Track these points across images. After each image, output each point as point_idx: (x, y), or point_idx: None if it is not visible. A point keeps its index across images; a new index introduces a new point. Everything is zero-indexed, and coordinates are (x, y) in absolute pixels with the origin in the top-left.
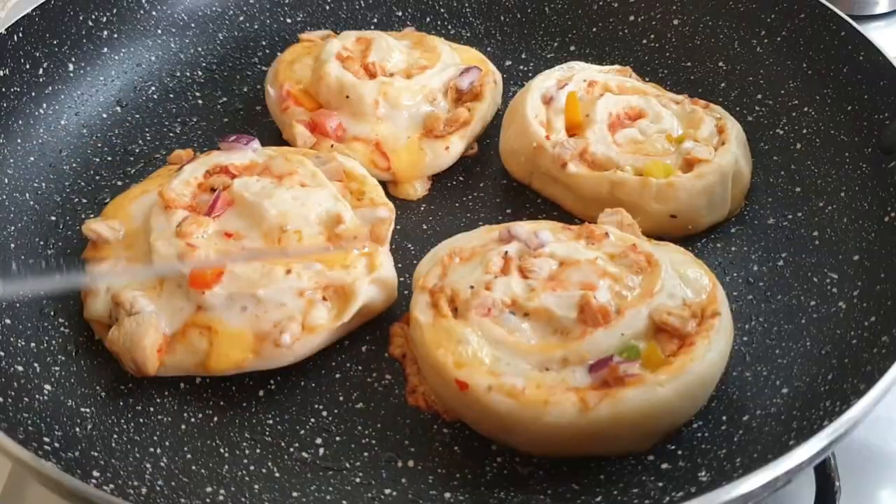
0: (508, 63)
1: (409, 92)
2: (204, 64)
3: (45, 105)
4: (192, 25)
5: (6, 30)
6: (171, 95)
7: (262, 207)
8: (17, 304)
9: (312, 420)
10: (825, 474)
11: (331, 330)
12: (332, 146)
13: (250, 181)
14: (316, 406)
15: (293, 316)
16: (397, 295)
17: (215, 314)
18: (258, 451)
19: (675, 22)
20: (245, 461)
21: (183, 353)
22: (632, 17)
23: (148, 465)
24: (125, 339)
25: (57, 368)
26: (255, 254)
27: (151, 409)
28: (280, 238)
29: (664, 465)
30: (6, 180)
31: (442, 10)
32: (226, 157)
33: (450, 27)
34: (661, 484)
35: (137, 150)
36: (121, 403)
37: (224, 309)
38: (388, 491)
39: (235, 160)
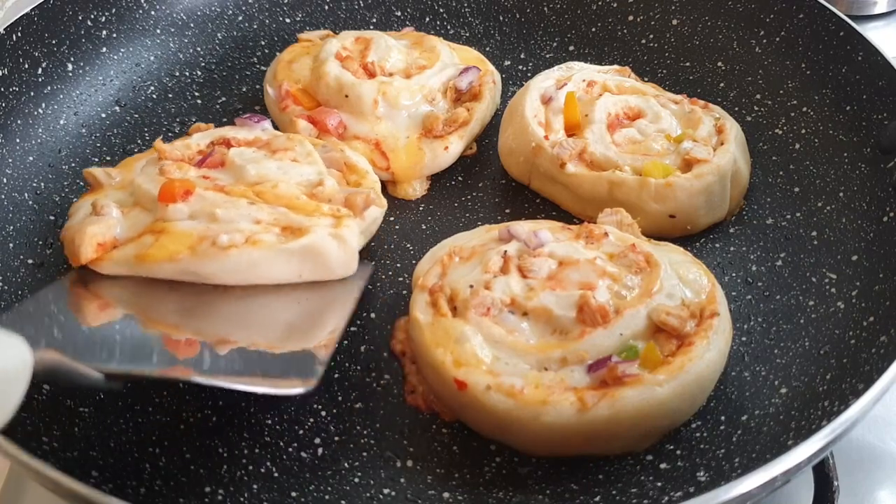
0: (507, 63)
1: (408, 92)
2: (203, 64)
3: (43, 105)
4: (191, 25)
5: (5, 29)
6: (170, 95)
7: (245, 169)
8: (16, 304)
9: (311, 420)
10: (824, 474)
11: (274, 250)
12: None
13: (246, 150)
14: (314, 406)
15: (241, 230)
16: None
17: (171, 224)
18: (257, 451)
19: (674, 22)
20: (244, 461)
21: (129, 248)
22: (631, 17)
23: (147, 465)
24: (76, 227)
25: None
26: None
27: (150, 409)
28: (256, 188)
29: (663, 465)
30: (5, 180)
31: (441, 10)
32: (234, 132)
33: (449, 27)
34: (659, 484)
35: (136, 150)
36: (119, 403)
37: (181, 221)
38: (386, 491)
39: (241, 135)
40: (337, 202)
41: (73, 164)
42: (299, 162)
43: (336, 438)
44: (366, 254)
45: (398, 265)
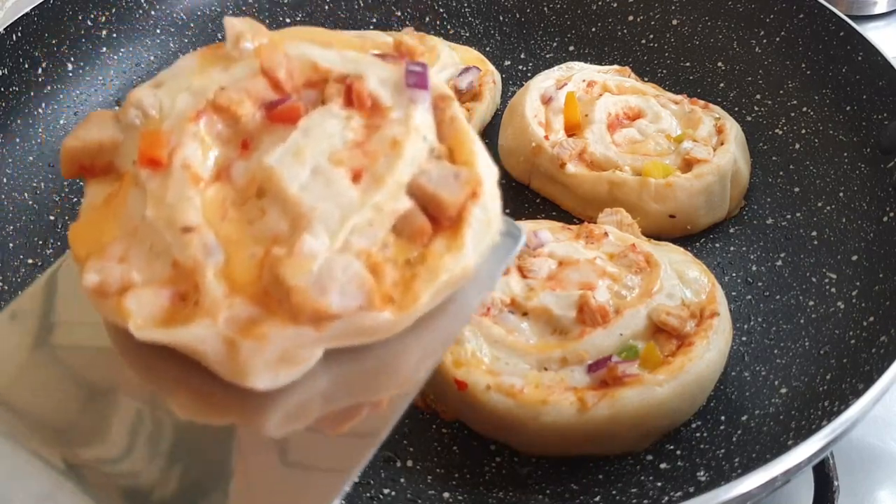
0: (507, 63)
1: None
2: None
3: (43, 104)
4: (192, 25)
5: (5, 29)
6: None
7: None
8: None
9: None
10: (824, 474)
11: None
12: None
13: None
14: None
15: None
16: None
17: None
18: None
19: (674, 22)
20: None
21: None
22: (631, 17)
23: None
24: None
25: None
26: None
27: None
28: None
29: (663, 465)
30: (5, 180)
31: (441, 10)
32: None
33: (449, 27)
34: (659, 484)
35: None
36: None
37: None
38: (386, 490)
39: None
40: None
41: None
42: None
43: None
44: None
45: None
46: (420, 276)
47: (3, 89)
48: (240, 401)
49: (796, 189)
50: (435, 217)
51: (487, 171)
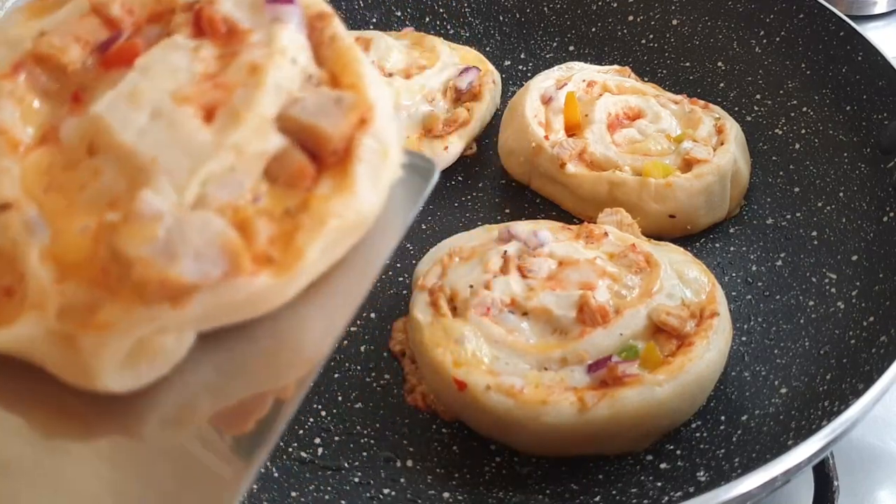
0: (507, 63)
1: (407, 92)
2: None
3: None
4: None
5: None
6: None
7: None
8: None
9: (311, 420)
10: (824, 474)
11: None
12: None
13: None
14: (314, 405)
15: None
16: None
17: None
18: None
19: (674, 22)
20: None
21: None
22: (631, 17)
23: None
24: None
25: None
26: None
27: None
28: None
29: (663, 465)
30: None
31: (441, 10)
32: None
33: (449, 27)
34: (659, 484)
35: None
36: None
37: None
38: (386, 490)
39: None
40: None
41: None
42: None
43: (336, 438)
44: None
45: (398, 265)
46: (303, 226)
47: None
48: (107, 411)
49: (796, 189)
50: (316, 154)
51: (378, 94)
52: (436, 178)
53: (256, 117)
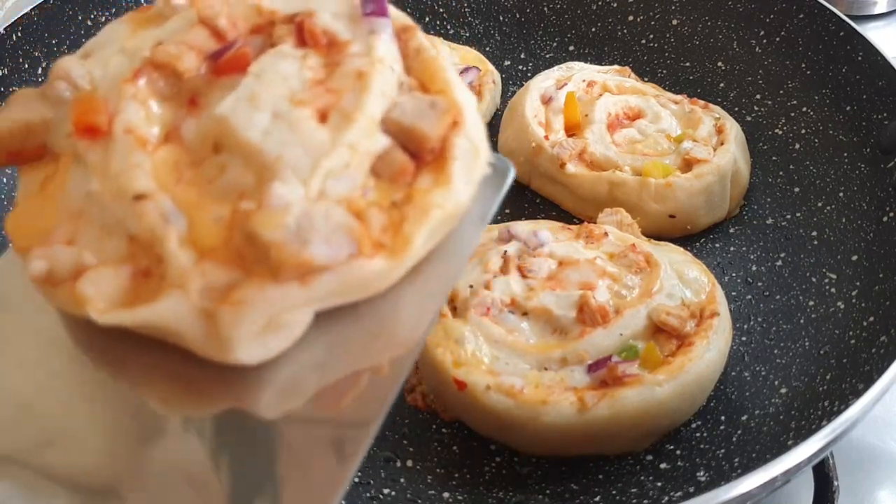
0: (507, 63)
1: None
2: None
3: None
4: None
5: (5, 29)
6: None
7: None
8: None
9: None
10: (824, 474)
11: None
12: None
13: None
14: None
15: None
16: None
17: None
18: None
19: (674, 22)
20: None
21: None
22: (631, 17)
23: None
24: None
25: None
26: None
27: None
28: None
29: (663, 465)
30: (4, 180)
31: (441, 10)
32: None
33: (449, 27)
34: (659, 484)
35: None
36: None
37: None
38: (386, 490)
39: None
40: None
41: None
42: None
43: None
44: None
45: None
46: (409, 216)
47: (3, 89)
48: (225, 383)
49: (796, 189)
50: (416, 153)
51: (465, 99)
52: (512, 176)
53: (366, 118)
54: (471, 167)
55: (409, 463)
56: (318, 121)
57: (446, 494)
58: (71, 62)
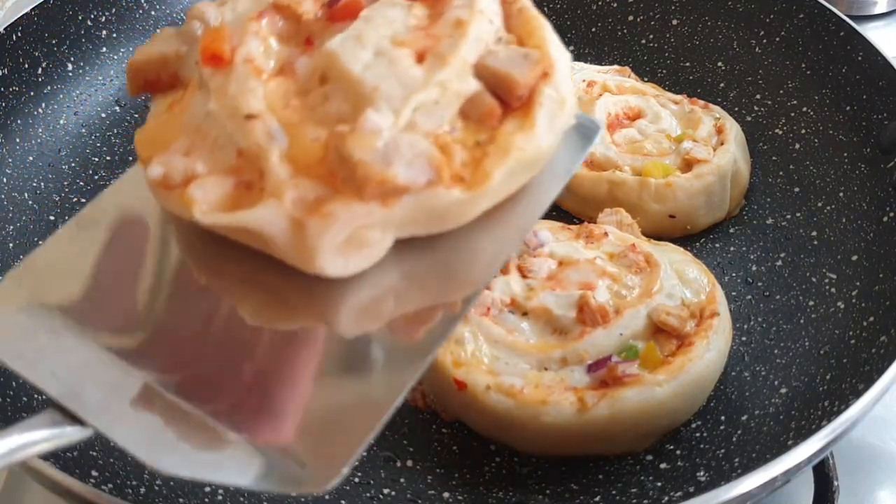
0: None
1: None
2: None
3: (43, 104)
4: None
5: (5, 29)
6: None
7: None
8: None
9: None
10: (824, 474)
11: None
12: None
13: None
14: None
15: None
16: None
17: None
18: None
19: (674, 22)
20: None
21: None
22: (630, 17)
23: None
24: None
25: None
26: None
27: None
28: None
29: (663, 465)
30: (4, 180)
31: None
32: None
33: None
34: (659, 484)
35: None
36: None
37: None
38: (386, 490)
39: None
40: None
41: (73, 164)
42: None
43: None
44: None
45: None
46: (490, 154)
47: (3, 89)
48: (311, 299)
49: (796, 189)
50: (504, 99)
51: (560, 55)
52: (599, 136)
53: (459, 61)
54: (555, 116)
55: (409, 463)
56: (415, 60)
57: (446, 494)
58: (207, 5)
